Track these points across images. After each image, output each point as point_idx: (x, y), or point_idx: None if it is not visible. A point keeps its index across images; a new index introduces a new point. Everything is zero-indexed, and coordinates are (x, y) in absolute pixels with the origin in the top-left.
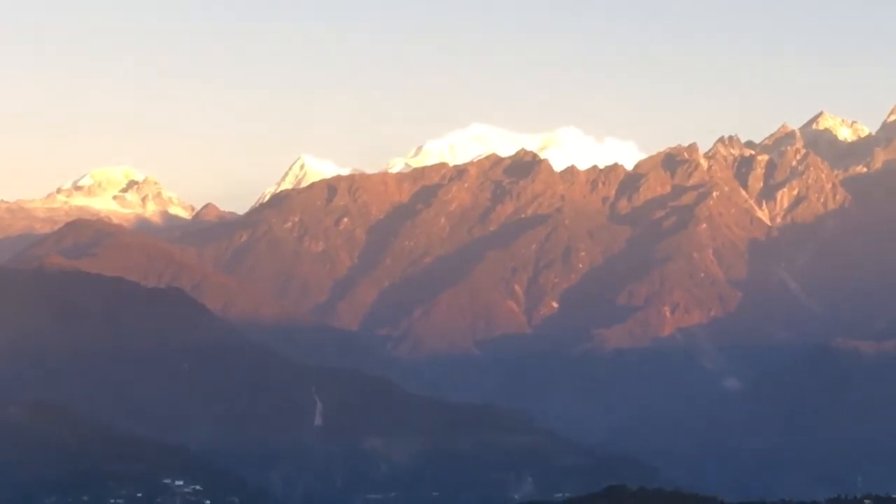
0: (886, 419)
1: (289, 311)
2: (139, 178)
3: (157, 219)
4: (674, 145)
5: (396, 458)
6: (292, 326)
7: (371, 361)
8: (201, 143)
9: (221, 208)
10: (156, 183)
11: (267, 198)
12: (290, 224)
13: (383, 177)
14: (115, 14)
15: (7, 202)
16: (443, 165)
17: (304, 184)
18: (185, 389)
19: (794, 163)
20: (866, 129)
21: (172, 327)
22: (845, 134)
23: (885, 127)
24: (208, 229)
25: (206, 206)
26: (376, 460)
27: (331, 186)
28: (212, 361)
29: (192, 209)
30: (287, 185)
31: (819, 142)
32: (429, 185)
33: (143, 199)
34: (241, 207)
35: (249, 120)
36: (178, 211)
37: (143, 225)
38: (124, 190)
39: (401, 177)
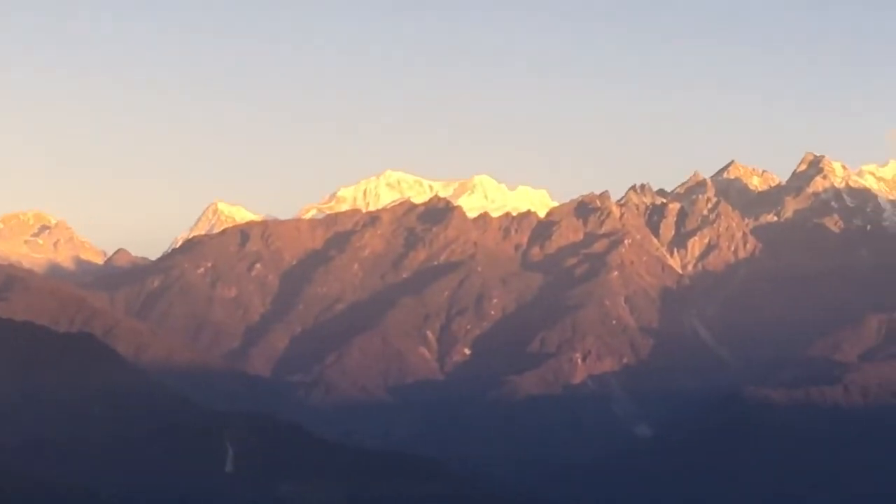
0: (795, 467)
1: (201, 357)
2: (51, 222)
3: (68, 264)
4: (586, 193)
5: None
6: (204, 372)
7: (283, 407)
8: (114, 187)
9: (133, 254)
10: (68, 228)
11: (179, 243)
12: (202, 270)
13: (296, 223)
14: (26, 57)
15: None
16: (356, 212)
17: (217, 229)
18: (96, 435)
19: (705, 211)
20: (777, 178)
21: (84, 372)
22: (756, 183)
23: (796, 176)
24: (120, 275)
25: (118, 251)
26: None
27: (243, 232)
28: (123, 407)
29: (104, 254)
30: (200, 230)
31: (730, 190)
32: (342, 232)
33: (55, 244)
34: (154, 253)
35: (163, 165)
36: (90, 256)
37: (54, 270)
38: (36, 234)
39: (314, 223)
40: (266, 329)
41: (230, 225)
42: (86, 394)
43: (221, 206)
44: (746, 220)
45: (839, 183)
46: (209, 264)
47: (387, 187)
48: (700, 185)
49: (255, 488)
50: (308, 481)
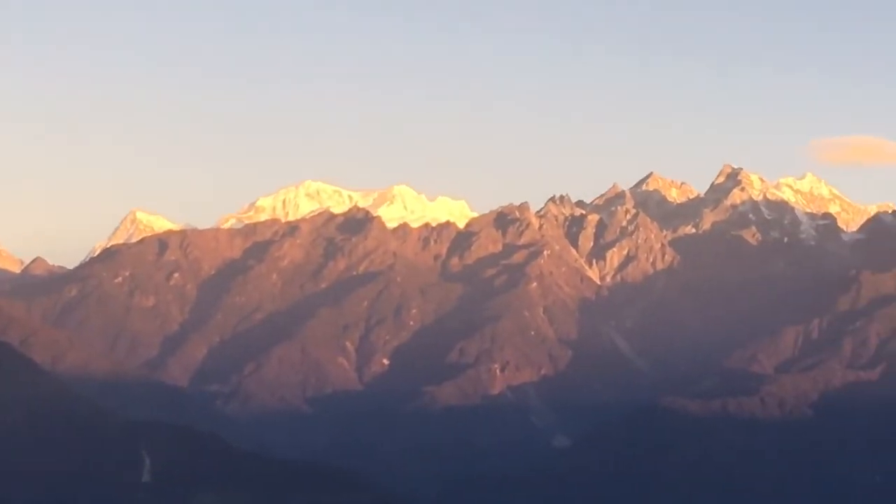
0: (712, 478)
1: (118, 367)
2: None
3: None
4: (505, 204)
5: None
6: (122, 382)
7: (201, 417)
8: (31, 195)
9: (51, 262)
10: None
11: (97, 252)
12: (120, 279)
13: (215, 232)
14: None
15: None
16: (275, 221)
17: (136, 238)
18: (12, 444)
19: (623, 223)
20: (695, 190)
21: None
22: (674, 195)
23: (714, 188)
24: (37, 283)
25: (35, 259)
26: None
27: (162, 241)
28: (39, 416)
29: (21, 263)
30: (118, 239)
31: (648, 202)
32: (260, 241)
33: None
34: (71, 262)
35: (81, 173)
36: (7, 265)
37: None
38: None
39: (232, 232)
40: (184, 339)
41: (148, 234)
42: (1, 402)
43: (140, 214)
44: (665, 232)
45: (757, 195)
46: (127, 273)
47: (306, 197)
48: (619, 197)
49: (172, 499)
50: (225, 492)
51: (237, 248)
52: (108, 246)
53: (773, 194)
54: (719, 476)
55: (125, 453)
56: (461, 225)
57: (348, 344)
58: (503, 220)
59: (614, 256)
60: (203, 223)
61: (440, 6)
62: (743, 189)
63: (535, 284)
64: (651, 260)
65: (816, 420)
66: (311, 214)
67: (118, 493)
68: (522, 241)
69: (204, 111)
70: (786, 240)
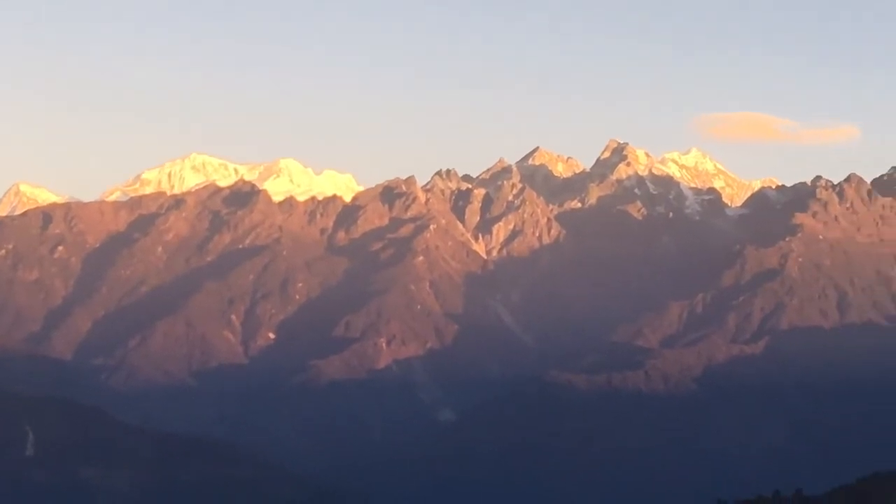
0: (597, 451)
1: (1, 340)
2: None
3: None
4: (392, 178)
5: (112, 489)
6: (4, 356)
7: (85, 391)
8: None
9: None
10: None
11: None
12: (3, 252)
13: (100, 205)
14: None
15: None
16: (160, 194)
17: (19, 211)
18: None
19: (510, 197)
20: (581, 164)
21: None
22: (560, 169)
23: (599, 163)
24: None
25: None
26: (91, 491)
27: (46, 214)
28: None
29: None
30: (1, 212)
31: (535, 177)
32: (146, 214)
33: None
34: None
35: None
36: None
37: None
38: None
39: (117, 205)
40: (68, 312)
41: (32, 206)
42: None
43: (23, 186)
44: (551, 207)
45: (642, 170)
46: (10, 246)
47: (192, 170)
48: (505, 171)
49: (56, 472)
50: (110, 466)
51: (122, 221)
52: None
53: (659, 169)
54: (605, 450)
55: (8, 428)
56: (347, 199)
57: (234, 318)
58: (389, 193)
59: (500, 231)
60: (88, 196)
61: None
62: (629, 164)
63: (421, 258)
64: (537, 234)
65: (700, 394)
66: (197, 187)
67: (1, 468)
68: (409, 214)
69: (90, 82)
70: (671, 215)
